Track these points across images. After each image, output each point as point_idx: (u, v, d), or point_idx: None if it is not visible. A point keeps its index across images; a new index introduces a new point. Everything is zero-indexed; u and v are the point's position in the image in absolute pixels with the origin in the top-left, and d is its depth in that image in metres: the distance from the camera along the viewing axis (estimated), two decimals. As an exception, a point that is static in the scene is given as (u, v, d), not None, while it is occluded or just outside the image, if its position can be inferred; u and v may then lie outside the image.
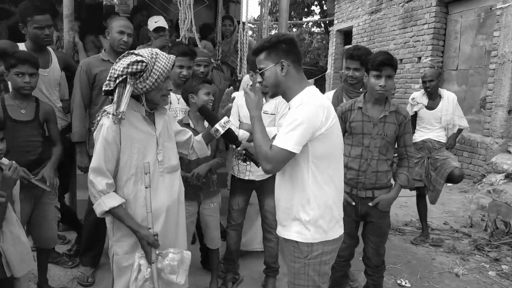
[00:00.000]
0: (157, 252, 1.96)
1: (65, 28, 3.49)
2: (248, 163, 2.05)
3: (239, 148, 2.00)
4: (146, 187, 1.93)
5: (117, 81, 1.85)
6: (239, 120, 2.91)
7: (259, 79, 1.86)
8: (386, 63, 2.38)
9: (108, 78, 1.90)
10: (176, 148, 2.15)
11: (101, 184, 1.86)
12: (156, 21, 3.82)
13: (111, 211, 1.87)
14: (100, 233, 2.97)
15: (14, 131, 2.48)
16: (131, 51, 1.93)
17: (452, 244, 4.21)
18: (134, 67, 1.83)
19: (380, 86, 2.40)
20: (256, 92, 1.83)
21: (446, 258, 3.91)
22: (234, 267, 3.10)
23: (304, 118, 1.68)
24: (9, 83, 2.93)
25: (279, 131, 1.75)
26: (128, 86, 1.84)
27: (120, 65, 1.86)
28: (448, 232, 4.63)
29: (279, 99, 2.89)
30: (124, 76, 1.84)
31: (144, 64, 1.84)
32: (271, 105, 2.90)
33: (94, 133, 1.95)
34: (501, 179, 5.97)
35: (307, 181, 1.75)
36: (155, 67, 1.87)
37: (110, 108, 1.89)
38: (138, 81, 1.86)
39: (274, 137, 2.76)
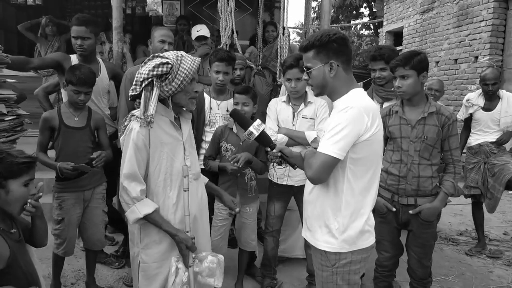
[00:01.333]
0: (193, 255, 1.96)
1: (114, 39, 3.68)
2: (284, 166, 1.99)
3: (274, 151, 1.95)
4: (185, 190, 1.94)
5: (143, 84, 1.83)
6: (278, 124, 2.89)
7: (305, 77, 1.79)
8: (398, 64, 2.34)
9: (134, 82, 1.88)
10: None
11: (135, 190, 1.84)
12: (198, 30, 3.92)
13: (146, 218, 1.85)
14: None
15: (67, 136, 2.66)
16: (157, 54, 1.92)
17: (512, 256, 3.89)
18: (160, 69, 1.80)
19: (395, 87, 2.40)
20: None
21: (505, 271, 3.60)
22: (272, 273, 3.07)
23: (348, 123, 1.59)
24: (62, 93, 3.14)
25: (323, 135, 1.67)
26: (155, 89, 1.82)
27: (146, 68, 1.84)
28: (508, 243, 4.28)
29: (318, 103, 2.85)
30: (150, 79, 1.82)
31: (170, 65, 1.81)
32: (311, 109, 2.86)
33: (121, 137, 1.93)
34: None
35: (341, 187, 1.67)
36: (180, 68, 1.84)
37: (138, 112, 1.86)
38: (164, 84, 1.83)
39: (314, 140, 2.74)
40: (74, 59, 3.11)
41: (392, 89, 2.99)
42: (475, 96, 4.09)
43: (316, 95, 1.84)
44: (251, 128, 1.92)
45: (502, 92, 3.99)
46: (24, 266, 1.63)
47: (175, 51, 1.92)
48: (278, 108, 2.93)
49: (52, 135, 2.68)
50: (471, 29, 7.87)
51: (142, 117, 1.82)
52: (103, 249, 3.20)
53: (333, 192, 1.69)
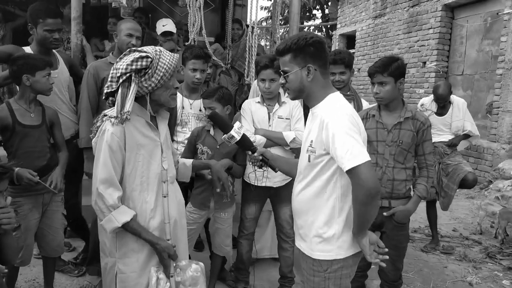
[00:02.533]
0: (174, 264, 1.86)
1: (72, 30, 3.42)
2: (265, 169, 1.96)
3: (255, 154, 1.90)
4: (164, 196, 1.83)
5: (121, 80, 1.70)
6: (253, 125, 2.85)
7: (281, 80, 1.76)
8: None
9: (109, 79, 1.74)
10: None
11: (111, 198, 1.70)
12: (164, 25, 3.77)
13: (124, 226, 1.72)
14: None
15: (23, 136, 2.42)
16: (134, 48, 1.81)
17: (463, 251, 4.14)
18: (139, 63, 1.69)
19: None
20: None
21: (458, 266, 3.84)
22: (246, 276, 3.02)
23: (345, 127, 1.56)
24: (18, 87, 2.87)
25: (338, 154, 1.56)
26: (133, 85, 1.70)
27: (123, 62, 1.72)
28: (458, 239, 4.56)
29: (292, 103, 2.84)
30: (128, 74, 1.70)
31: (150, 59, 1.70)
32: (286, 109, 2.85)
33: (94, 139, 1.79)
34: (508, 185, 5.90)
35: (333, 193, 1.66)
36: (159, 63, 1.74)
37: (111, 111, 1.73)
38: (143, 79, 1.72)
39: (292, 140, 2.72)
40: (28, 51, 2.85)
41: (348, 93, 3.03)
42: (428, 102, 4.33)
43: (293, 98, 1.80)
44: (232, 132, 1.86)
45: (453, 98, 4.25)
46: None
47: (152, 46, 1.81)
48: (253, 109, 2.89)
49: (3, 134, 2.41)
50: (420, 36, 8.32)
51: (119, 115, 1.68)
52: (61, 256, 2.98)
53: (324, 199, 1.68)
